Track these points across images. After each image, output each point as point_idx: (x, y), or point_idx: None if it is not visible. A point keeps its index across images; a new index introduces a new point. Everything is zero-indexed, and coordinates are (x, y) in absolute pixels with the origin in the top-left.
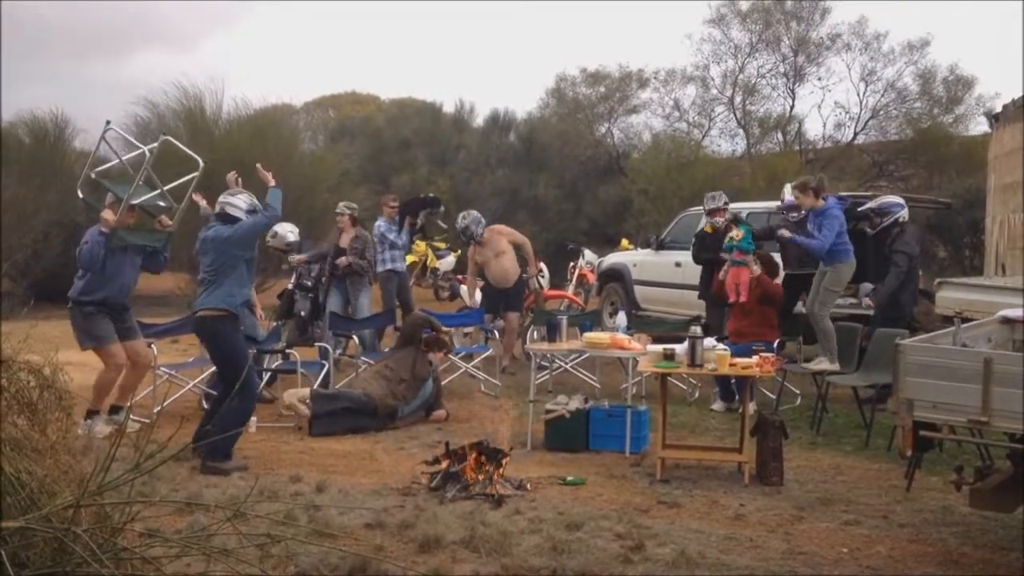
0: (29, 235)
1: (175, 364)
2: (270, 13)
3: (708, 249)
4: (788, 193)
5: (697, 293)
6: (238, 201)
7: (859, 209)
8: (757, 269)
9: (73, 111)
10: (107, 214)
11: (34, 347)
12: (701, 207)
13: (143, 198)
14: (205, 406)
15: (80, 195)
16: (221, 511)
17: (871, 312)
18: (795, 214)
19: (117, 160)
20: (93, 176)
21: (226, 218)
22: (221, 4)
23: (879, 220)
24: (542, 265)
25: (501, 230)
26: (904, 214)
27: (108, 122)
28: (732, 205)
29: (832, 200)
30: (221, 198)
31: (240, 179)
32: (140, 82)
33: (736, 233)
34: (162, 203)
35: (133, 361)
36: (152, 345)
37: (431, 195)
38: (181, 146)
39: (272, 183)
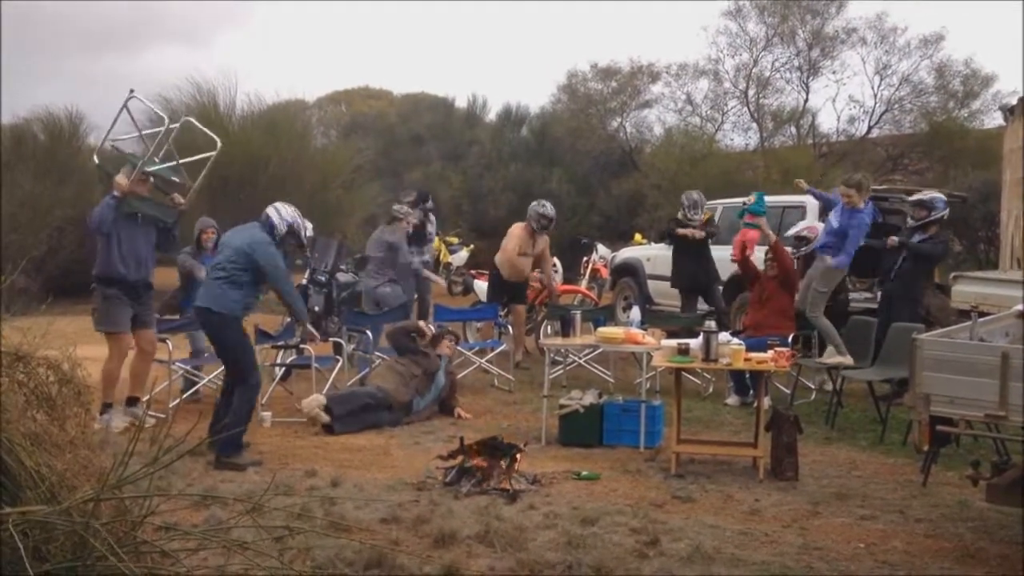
0: (44, 231)
1: (190, 359)
2: (281, 8)
3: (671, 238)
4: (796, 228)
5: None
6: (284, 211)
7: (910, 199)
8: (771, 235)
9: (85, 107)
10: (120, 178)
11: (52, 343)
12: (716, 202)
13: (157, 167)
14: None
15: (96, 161)
16: (238, 505)
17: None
18: (794, 251)
19: (136, 134)
20: (110, 144)
21: (269, 225)
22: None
23: (925, 214)
24: (555, 260)
25: (547, 239)
26: (946, 214)
27: (132, 90)
28: (740, 200)
29: (869, 207)
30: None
31: None
32: (151, 78)
33: (749, 198)
34: (176, 178)
35: (141, 348)
36: (167, 340)
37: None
38: (201, 127)
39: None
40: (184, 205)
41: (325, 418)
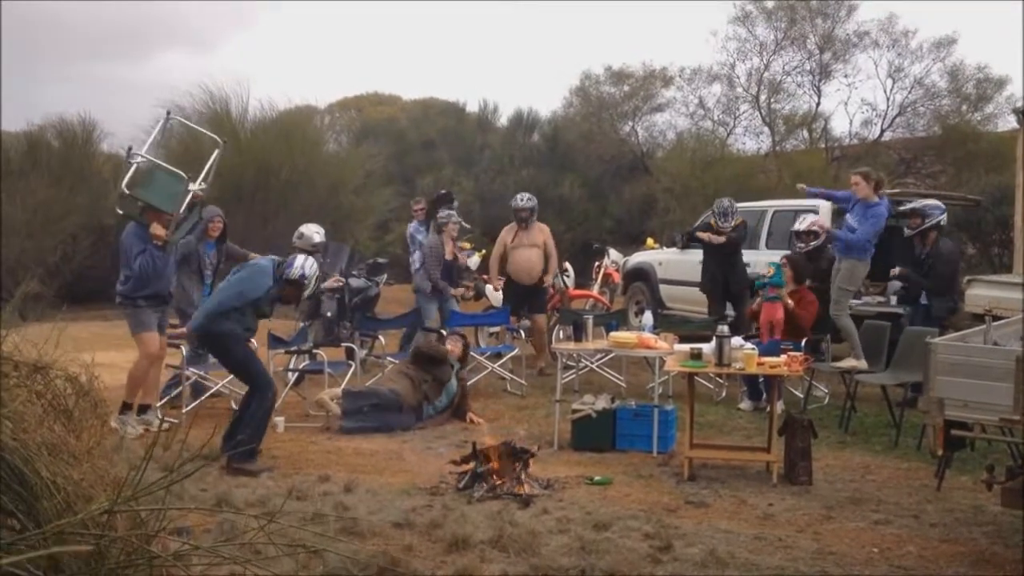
0: (58, 237)
1: (204, 365)
2: (290, 14)
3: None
4: (801, 223)
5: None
6: (307, 266)
7: (900, 208)
8: (791, 303)
9: (95, 112)
10: (157, 229)
11: (66, 349)
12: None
13: (184, 203)
14: (234, 406)
15: (120, 212)
16: (251, 510)
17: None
18: (802, 244)
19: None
20: (127, 192)
21: (288, 260)
22: (241, 4)
23: (919, 221)
24: (567, 265)
25: (543, 228)
26: (944, 219)
27: (168, 112)
28: (759, 204)
29: (884, 202)
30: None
31: None
32: (161, 83)
33: (767, 270)
34: (193, 187)
35: None
36: (182, 347)
37: (442, 191)
38: (198, 128)
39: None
40: (201, 196)
41: (335, 408)
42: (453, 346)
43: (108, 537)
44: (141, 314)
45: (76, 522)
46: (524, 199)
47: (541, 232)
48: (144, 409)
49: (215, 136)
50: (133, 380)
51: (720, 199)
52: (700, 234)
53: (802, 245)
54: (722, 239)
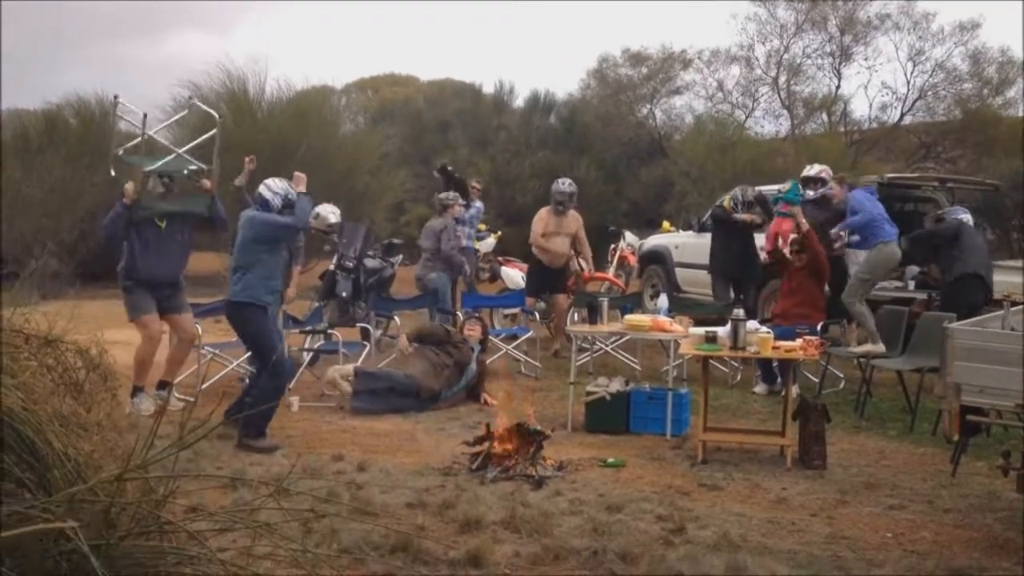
0: (76, 216)
1: (219, 343)
2: None
3: (718, 223)
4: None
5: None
6: (274, 185)
7: (939, 212)
8: (804, 224)
9: (113, 91)
10: (128, 186)
11: (81, 327)
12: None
13: (158, 164)
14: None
15: (113, 173)
16: (264, 488)
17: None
18: (812, 192)
19: (140, 136)
20: (120, 154)
21: (263, 202)
22: None
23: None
24: None
25: (577, 217)
26: (964, 219)
27: (116, 96)
28: (776, 187)
29: (858, 190)
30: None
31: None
32: (178, 63)
33: (784, 185)
34: (193, 166)
35: (179, 336)
36: (197, 324)
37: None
38: (200, 104)
39: (302, 189)
40: (213, 189)
41: (346, 386)
42: (472, 330)
43: (119, 504)
44: (133, 298)
45: (86, 489)
46: (565, 184)
47: (575, 220)
48: (163, 385)
49: (213, 112)
50: (139, 363)
51: (743, 188)
52: (740, 216)
53: (811, 192)
54: (758, 219)
